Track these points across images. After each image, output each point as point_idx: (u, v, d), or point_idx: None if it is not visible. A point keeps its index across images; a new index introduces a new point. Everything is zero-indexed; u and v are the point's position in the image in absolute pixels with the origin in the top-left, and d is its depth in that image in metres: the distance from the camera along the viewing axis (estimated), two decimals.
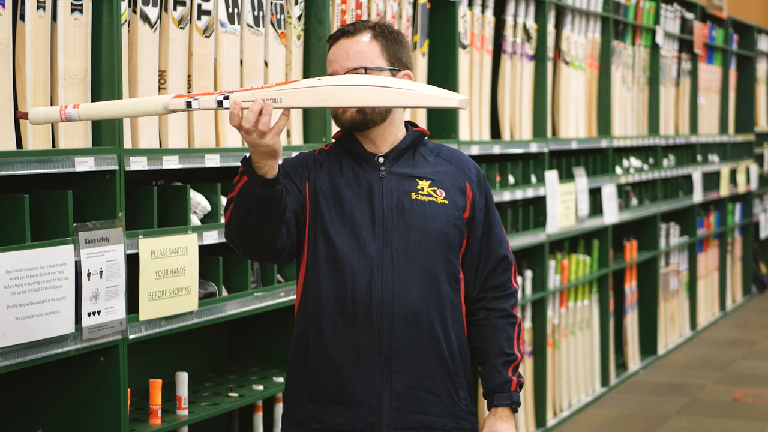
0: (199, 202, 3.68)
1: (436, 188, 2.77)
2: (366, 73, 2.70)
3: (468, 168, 2.83)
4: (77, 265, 3.11)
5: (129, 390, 3.36)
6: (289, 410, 2.82)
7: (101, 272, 3.18)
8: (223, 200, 3.77)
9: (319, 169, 2.77)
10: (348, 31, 2.75)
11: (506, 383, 2.83)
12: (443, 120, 5.16)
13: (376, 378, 2.71)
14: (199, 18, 3.69)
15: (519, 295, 2.91)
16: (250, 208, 2.59)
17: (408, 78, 2.78)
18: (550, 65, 6.28)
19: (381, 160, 2.76)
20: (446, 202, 2.76)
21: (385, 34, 2.76)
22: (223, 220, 3.75)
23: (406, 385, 2.72)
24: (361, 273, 2.69)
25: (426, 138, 2.85)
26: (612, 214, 7.07)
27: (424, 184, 2.76)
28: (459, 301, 2.81)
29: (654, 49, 8.07)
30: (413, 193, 2.74)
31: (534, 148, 5.98)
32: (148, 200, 3.47)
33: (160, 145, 3.60)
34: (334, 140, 2.85)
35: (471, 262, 2.83)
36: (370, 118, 2.74)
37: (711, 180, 9.54)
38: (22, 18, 3.10)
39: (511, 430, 2.81)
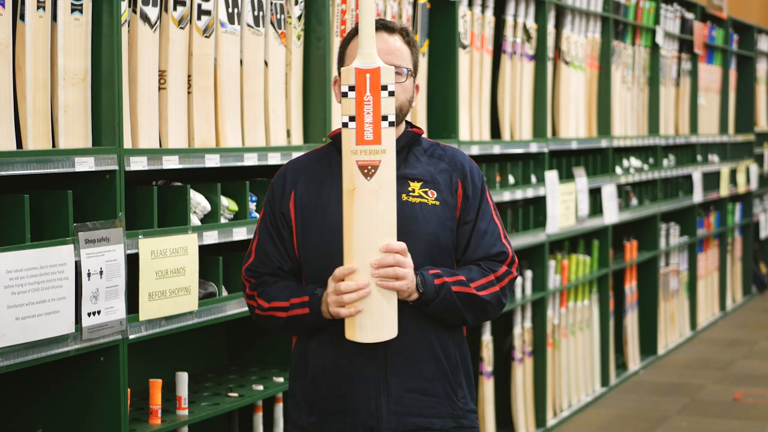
0: (199, 202, 3.68)
1: (427, 189, 2.75)
2: (407, 74, 2.74)
3: (460, 165, 2.82)
4: (77, 265, 3.11)
5: (129, 390, 3.36)
6: (290, 424, 2.84)
7: (101, 272, 3.18)
8: (224, 200, 3.77)
9: (308, 179, 2.76)
10: (388, 26, 2.77)
11: (435, 275, 2.69)
12: (443, 120, 5.16)
13: (372, 383, 2.71)
14: (199, 18, 3.69)
15: (515, 278, 2.80)
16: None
17: (417, 89, 2.84)
18: (550, 65, 6.28)
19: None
20: (437, 203, 2.75)
21: (411, 40, 2.81)
22: (223, 220, 3.75)
23: (402, 389, 2.72)
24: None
25: (422, 137, 2.85)
26: (612, 214, 7.07)
27: (415, 185, 2.75)
28: None
29: (654, 49, 8.06)
30: (404, 195, 2.73)
31: (534, 148, 5.98)
32: (148, 200, 3.47)
33: (160, 145, 3.60)
34: (330, 139, 2.84)
35: (461, 258, 2.80)
36: (398, 119, 2.76)
37: (711, 180, 9.54)
38: (22, 18, 3.10)
39: (407, 275, 2.64)
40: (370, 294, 2.61)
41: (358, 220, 2.59)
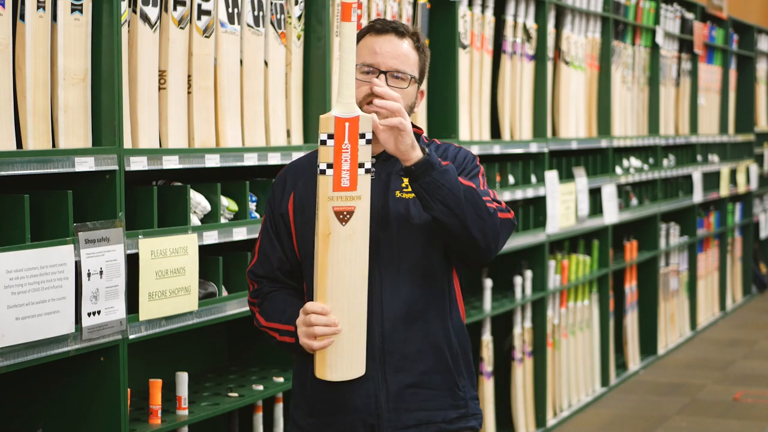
0: (199, 202, 3.68)
1: None
2: (410, 80, 2.74)
3: (453, 155, 2.83)
4: (77, 265, 3.11)
5: (129, 390, 3.36)
6: (291, 424, 2.85)
7: (101, 272, 3.18)
8: (224, 200, 3.77)
9: (307, 180, 2.77)
10: (398, 29, 2.76)
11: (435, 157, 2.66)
12: (443, 120, 5.16)
13: (370, 381, 2.71)
14: (199, 18, 3.69)
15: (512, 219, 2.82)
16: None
17: (421, 95, 2.83)
18: (550, 65, 6.28)
19: (373, 160, 2.76)
20: None
21: (421, 46, 2.80)
22: (223, 220, 3.76)
23: (401, 385, 2.72)
24: None
25: (421, 137, 2.85)
26: (612, 214, 7.07)
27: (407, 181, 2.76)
28: (453, 291, 2.81)
29: (654, 49, 8.07)
30: (397, 192, 2.75)
31: (534, 148, 5.98)
32: (148, 200, 3.47)
33: (160, 145, 3.60)
34: None
35: None
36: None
37: (711, 180, 9.54)
38: (22, 18, 3.10)
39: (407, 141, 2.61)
40: (341, 333, 2.64)
41: (332, 263, 2.62)
